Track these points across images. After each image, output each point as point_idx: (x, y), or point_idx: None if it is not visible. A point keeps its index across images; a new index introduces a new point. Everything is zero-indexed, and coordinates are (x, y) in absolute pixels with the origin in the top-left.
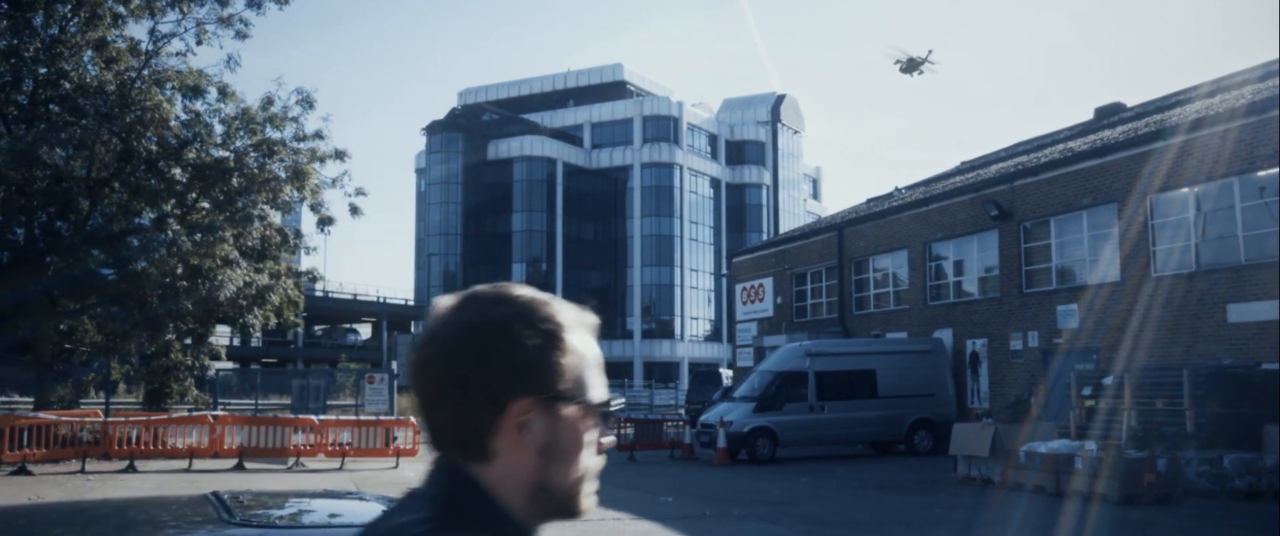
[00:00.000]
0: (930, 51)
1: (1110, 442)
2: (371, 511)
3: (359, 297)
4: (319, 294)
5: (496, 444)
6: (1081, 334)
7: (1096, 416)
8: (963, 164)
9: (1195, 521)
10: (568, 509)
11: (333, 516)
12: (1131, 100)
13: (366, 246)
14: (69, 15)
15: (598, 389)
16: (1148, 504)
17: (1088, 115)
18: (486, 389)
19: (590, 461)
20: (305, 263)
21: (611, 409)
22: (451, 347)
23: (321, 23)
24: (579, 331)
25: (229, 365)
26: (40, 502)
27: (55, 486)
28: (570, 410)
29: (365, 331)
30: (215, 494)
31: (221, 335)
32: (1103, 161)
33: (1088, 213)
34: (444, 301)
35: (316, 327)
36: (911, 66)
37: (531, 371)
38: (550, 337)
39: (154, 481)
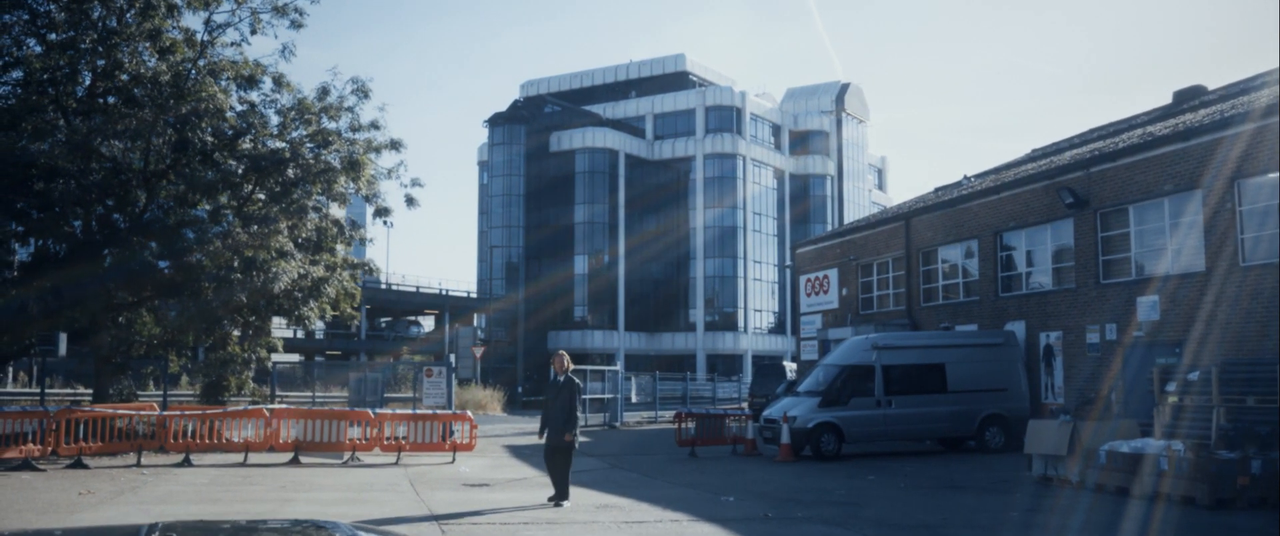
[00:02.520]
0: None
1: (1198, 442)
2: None
3: (421, 290)
4: (382, 286)
5: None
6: (1163, 326)
7: (1182, 414)
8: (1034, 151)
9: None
10: None
11: None
12: (1211, 84)
13: (430, 239)
14: (125, 6)
15: None
16: (1242, 509)
17: (1165, 100)
18: None
19: None
20: (367, 253)
21: None
22: None
23: (381, 14)
24: None
25: (294, 358)
26: None
27: (108, 480)
28: None
29: (428, 324)
30: (154, 527)
31: (283, 328)
32: (1186, 145)
33: (1169, 199)
34: None
35: (380, 320)
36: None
37: None
38: None
39: (208, 475)
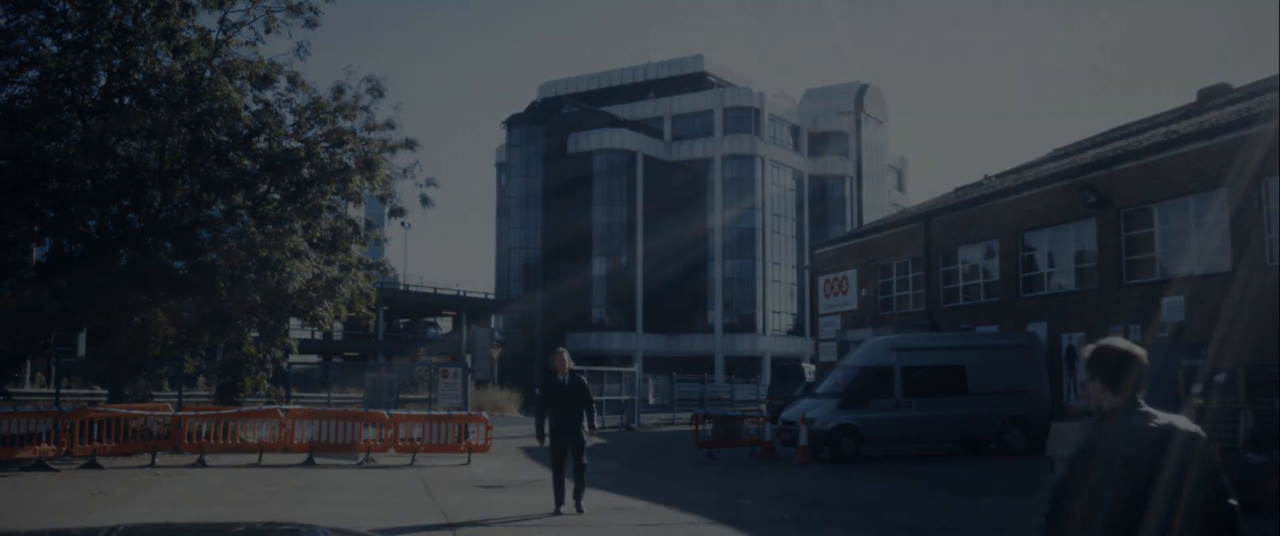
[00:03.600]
0: None
1: (1224, 445)
2: None
3: (439, 291)
4: (400, 288)
5: None
6: (1188, 327)
7: (1207, 416)
8: (1056, 150)
9: None
10: None
11: None
12: (1236, 82)
13: (449, 240)
14: (140, 5)
15: None
16: (1270, 512)
17: (1189, 98)
18: None
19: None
20: (385, 254)
21: None
22: None
23: (397, 15)
24: None
25: (311, 358)
26: None
27: (122, 481)
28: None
29: (446, 325)
30: (113, 530)
31: (300, 328)
32: (1210, 144)
33: (1194, 198)
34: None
35: (398, 321)
36: None
37: None
38: None
39: (221, 476)
